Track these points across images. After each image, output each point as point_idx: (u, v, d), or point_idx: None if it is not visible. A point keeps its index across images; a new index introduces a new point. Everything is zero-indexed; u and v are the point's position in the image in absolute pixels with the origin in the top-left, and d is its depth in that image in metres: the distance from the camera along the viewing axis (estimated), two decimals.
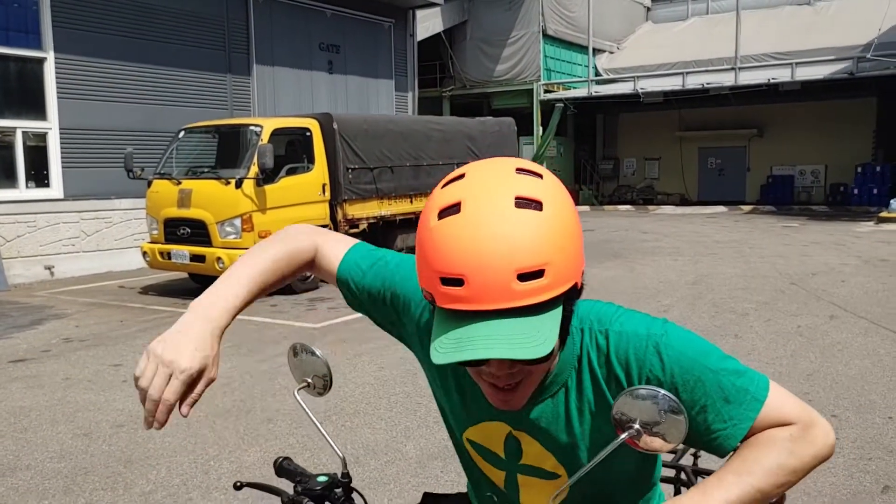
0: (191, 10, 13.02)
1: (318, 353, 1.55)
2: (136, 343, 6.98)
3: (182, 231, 9.35)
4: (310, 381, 1.54)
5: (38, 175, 11.25)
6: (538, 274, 1.06)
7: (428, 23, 22.25)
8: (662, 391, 1.18)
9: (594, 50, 26.23)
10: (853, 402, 5.03)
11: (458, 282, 1.06)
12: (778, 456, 1.20)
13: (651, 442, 1.20)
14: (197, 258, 9.19)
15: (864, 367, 5.81)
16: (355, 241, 1.53)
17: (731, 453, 1.25)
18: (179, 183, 9.45)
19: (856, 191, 22.69)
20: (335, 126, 10.04)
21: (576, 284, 1.13)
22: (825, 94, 22.98)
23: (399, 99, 18.11)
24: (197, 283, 10.20)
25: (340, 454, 1.49)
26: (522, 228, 1.06)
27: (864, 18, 22.14)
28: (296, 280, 9.57)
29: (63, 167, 11.34)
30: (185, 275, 10.43)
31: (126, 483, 3.96)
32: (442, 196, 1.12)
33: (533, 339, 1.06)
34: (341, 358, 6.32)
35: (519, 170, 1.14)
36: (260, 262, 1.41)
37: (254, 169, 9.03)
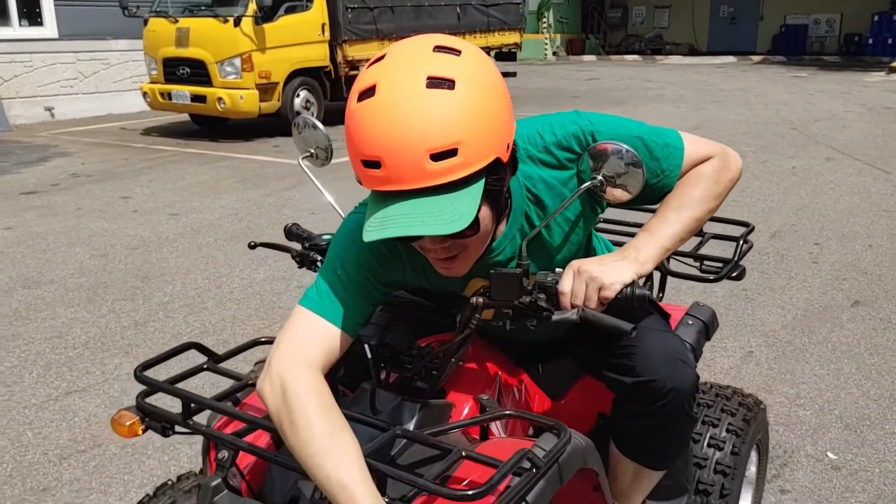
0: None
1: (319, 126, 1.68)
2: (143, 179, 7.13)
3: (181, 71, 9.25)
4: (312, 151, 1.68)
5: (31, 13, 10.95)
6: (451, 153, 1.11)
7: None
8: (626, 146, 1.32)
9: None
10: (837, 232, 5.24)
11: (375, 164, 1.12)
12: (706, 186, 1.42)
13: (614, 192, 1.36)
14: (198, 98, 9.15)
15: (853, 203, 5.97)
16: (303, 313, 1.32)
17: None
18: (177, 21, 9.24)
19: (870, 41, 22.05)
20: None
21: (498, 159, 1.18)
22: None
23: None
24: (198, 125, 10.22)
25: (342, 214, 1.65)
26: (433, 109, 1.09)
27: None
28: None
29: (56, 5, 11.01)
30: (185, 117, 10.43)
31: (145, 295, 4.22)
32: (361, 78, 1.16)
33: (449, 215, 1.13)
34: (345, 194, 6.43)
35: (437, 48, 1.16)
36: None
37: (252, 6, 8.79)
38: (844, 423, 2.91)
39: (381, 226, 1.14)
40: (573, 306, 1.32)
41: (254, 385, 1.45)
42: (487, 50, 12.76)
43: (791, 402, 3.06)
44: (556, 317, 1.31)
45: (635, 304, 1.32)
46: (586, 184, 1.33)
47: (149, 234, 5.37)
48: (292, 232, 1.72)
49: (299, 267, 1.66)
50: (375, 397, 1.43)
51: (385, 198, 1.16)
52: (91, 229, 5.48)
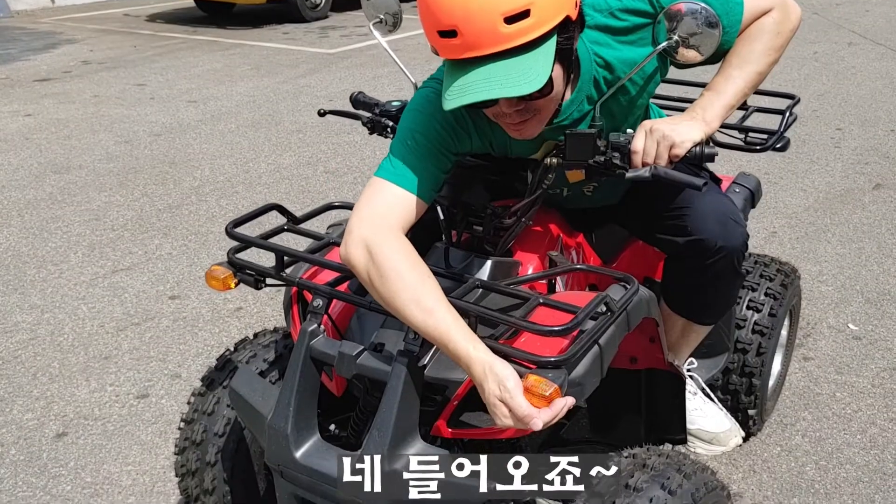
0: None
1: None
2: (155, 66, 7.03)
3: None
4: (381, 17, 1.69)
5: None
6: (523, 15, 1.13)
7: None
8: (703, 5, 1.33)
9: None
10: (859, 117, 5.22)
11: (451, 33, 1.15)
12: (768, 39, 1.44)
13: (686, 53, 1.38)
14: None
15: (875, 88, 5.92)
16: (379, 182, 1.34)
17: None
18: None
19: None
20: None
21: (568, 17, 1.19)
22: None
23: None
24: (203, 11, 9.95)
25: (413, 80, 1.68)
26: None
27: None
28: (305, 7, 9.32)
29: None
30: (190, 3, 10.14)
31: (175, 180, 4.28)
32: None
33: (526, 75, 1.16)
34: (360, 80, 6.40)
35: None
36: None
37: None
38: (865, 297, 3.03)
39: (462, 92, 1.18)
40: (644, 164, 1.38)
41: (334, 243, 1.53)
42: None
43: (814, 279, 3.16)
44: (629, 174, 1.37)
45: (704, 161, 1.38)
46: (662, 44, 1.35)
47: (169, 120, 5.36)
48: (358, 100, 1.75)
49: (370, 133, 1.70)
50: (448, 254, 1.51)
51: (462, 65, 1.19)
52: (111, 116, 5.47)
